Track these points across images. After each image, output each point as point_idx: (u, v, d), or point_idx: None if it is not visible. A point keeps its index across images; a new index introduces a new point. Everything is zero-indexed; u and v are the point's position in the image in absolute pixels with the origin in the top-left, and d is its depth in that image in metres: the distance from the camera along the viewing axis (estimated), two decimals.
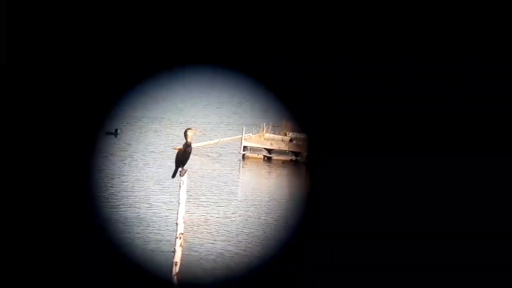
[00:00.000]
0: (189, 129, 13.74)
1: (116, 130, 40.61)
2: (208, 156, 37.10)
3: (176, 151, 13.80)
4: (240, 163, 36.64)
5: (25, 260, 10.46)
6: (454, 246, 10.87)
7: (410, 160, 10.86)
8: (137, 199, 24.36)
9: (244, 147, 38.13)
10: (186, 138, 13.56)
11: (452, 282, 10.73)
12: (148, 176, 28.52)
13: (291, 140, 37.64)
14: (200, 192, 26.37)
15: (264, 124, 37.60)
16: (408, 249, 10.90)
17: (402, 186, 10.78)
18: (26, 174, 10.57)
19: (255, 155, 37.96)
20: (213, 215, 23.42)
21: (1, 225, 10.36)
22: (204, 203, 25.00)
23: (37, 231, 10.50)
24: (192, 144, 13.57)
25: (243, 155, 37.93)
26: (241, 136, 38.31)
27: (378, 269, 10.71)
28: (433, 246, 10.91)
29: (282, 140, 37.84)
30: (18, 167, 10.58)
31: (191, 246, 18.49)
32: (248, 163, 36.66)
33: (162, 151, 35.57)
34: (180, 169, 13.56)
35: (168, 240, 18.08)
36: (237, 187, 30.30)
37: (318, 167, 10.86)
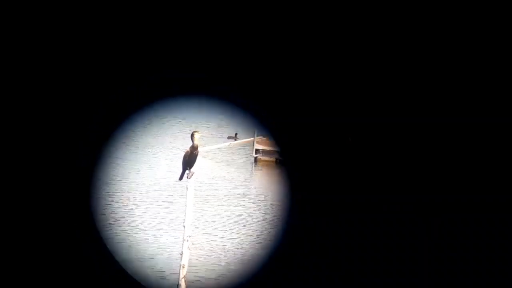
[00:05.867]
0: (196, 131, 13.71)
1: (236, 134, 40.91)
2: (219, 158, 37.02)
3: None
4: (252, 166, 36.50)
5: (17, 261, 10.47)
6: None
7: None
8: (142, 200, 24.40)
9: (256, 150, 37.91)
10: (193, 141, 13.53)
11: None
12: (156, 177, 28.55)
13: None
14: (210, 195, 26.32)
15: None
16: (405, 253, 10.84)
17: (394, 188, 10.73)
18: (26, 175, 10.60)
19: (267, 158, 37.72)
20: (223, 217, 23.36)
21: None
22: (214, 205, 24.95)
23: (31, 231, 10.52)
24: (199, 147, 13.53)
25: (255, 158, 37.73)
26: (253, 138, 38.12)
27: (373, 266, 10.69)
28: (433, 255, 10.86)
29: None
30: (20, 167, 10.61)
31: (199, 248, 18.45)
32: (260, 166, 36.50)
33: (172, 152, 35.54)
34: (187, 171, 13.53)
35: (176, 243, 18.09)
36: (249, 190, 30.19)
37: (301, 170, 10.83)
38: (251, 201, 26.88)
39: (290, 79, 10.59)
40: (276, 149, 34.91)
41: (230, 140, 40.79)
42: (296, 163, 10.85)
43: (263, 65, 10.51)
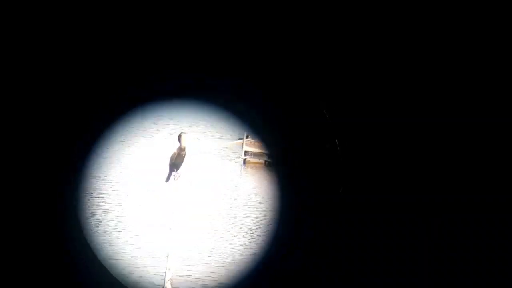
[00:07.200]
0: (184, 132, 13.73)
1: (247, 136, 40.67)
2: (208, 160, 36.93)
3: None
4: (241, 168, 36.44)
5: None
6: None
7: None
8: (129, 201, 24.28)
9: (245, 151, 37.83)
10: (180, 142, 13.54)
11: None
12: (144, 178, 28.41)
13: None
14: (198, 196, 26.26)
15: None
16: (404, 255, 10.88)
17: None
18: (19, 173, 10.55)
19: (256, 160, 37.63)
20: (210, 219, 23.30)
21: None
22: (201, 207, 24.88)
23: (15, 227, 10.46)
24: (186, 148, 13.53)
25: (244, 160, 37.67)
26: (242, 140, 38.05)
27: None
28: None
29: None
30: (14, 165, 10.56)
31: (185, 250, 18.37)
32: (249, 168, 36.46)
33: (162, 153, 35.34)
34: (174, 173, 13.53)
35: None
36: (238, 191, 30.19)
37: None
38: (240, 202, 26.85)
39: (290, 78, 10.60)
40: (272, 150, 34.81)
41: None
42: (295, 163, 10.87)
43: (264, 64, 10.53)
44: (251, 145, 38.37)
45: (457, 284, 10.64)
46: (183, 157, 13.45)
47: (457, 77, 10.55)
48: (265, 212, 24.02)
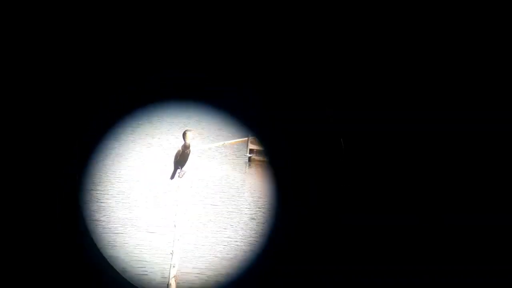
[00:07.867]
0: (189, 130, 13.66)
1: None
2: (213, 158, 36.89)
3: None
4: (246, 166, 36.35)
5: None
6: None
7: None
8: (134, 199, 24.28)
9: (250, 149, 37.72)
10: (184, 140, 13.48)
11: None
12: (149, 176, 28.40)
13: None
14: (202, 194, 26.25)
15: None
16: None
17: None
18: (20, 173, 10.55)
19: (261, 158, 37.52)
20: (215, 216, 23.28)
21: None
22: (206, 204, 24.86)
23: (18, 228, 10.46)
24: (191, 146, 13.47)
25: (249, 157, 37.58)
26: (247, 138, 37.92)
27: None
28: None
29: None
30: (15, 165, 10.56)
31: (190, 247, 18.38)
32: (254, 166, 36.38)
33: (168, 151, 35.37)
34: (179, 170, 13.49)
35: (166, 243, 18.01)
36: (243, 189, 30.13)
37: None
38: (244, 200, 26.82)
39: (292, 80, 10.59)
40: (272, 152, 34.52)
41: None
42: (295, 165, 10.86)
43: (264, 65, 10.52)
44: (256, 144, 38.32)
45: (457, 284, 10.62)
46: (188, 155, 13.38)
47: (457, 83, 10.53)
48: (267, 210, 24.00)
